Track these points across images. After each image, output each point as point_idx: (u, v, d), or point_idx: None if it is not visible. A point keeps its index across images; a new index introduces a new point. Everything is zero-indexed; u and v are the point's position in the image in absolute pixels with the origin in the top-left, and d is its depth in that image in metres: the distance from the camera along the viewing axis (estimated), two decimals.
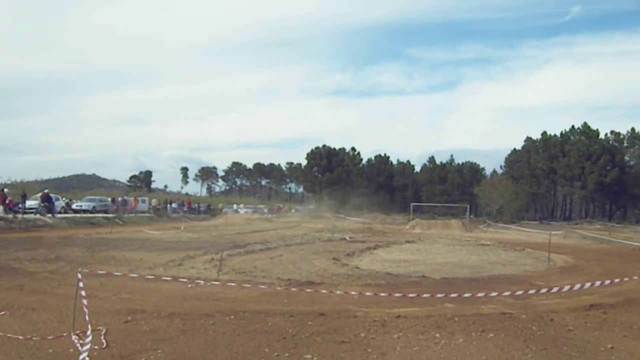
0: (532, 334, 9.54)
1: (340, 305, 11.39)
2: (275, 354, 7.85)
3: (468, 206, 78.67)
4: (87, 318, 7.66)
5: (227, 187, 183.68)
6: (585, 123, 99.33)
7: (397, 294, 11.53)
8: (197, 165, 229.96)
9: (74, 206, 55.18)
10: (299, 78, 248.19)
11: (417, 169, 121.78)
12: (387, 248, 28.92)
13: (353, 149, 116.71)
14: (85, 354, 6.74)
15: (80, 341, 7.78)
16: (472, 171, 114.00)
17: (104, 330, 8.72)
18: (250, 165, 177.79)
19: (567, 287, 11.29)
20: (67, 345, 7.89)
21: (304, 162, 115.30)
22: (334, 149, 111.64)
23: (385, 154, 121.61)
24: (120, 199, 59.71)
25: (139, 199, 67.31)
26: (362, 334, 9.14)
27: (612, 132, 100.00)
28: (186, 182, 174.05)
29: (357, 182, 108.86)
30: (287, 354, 7.87)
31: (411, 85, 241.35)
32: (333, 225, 55.61)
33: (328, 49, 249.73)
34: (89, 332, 7.32)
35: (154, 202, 69.66)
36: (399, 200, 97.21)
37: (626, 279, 13.84)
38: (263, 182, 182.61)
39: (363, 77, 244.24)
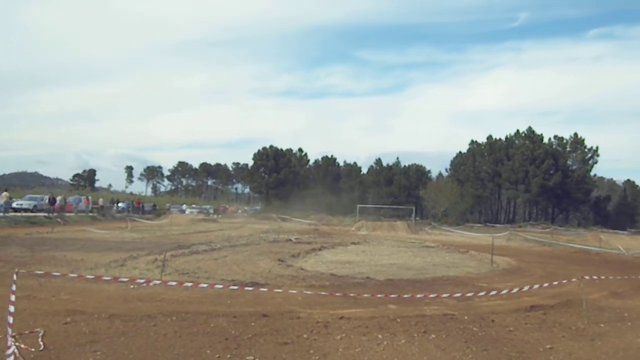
0: (474, 335, 9.66)
1: (284, 307, 11.38)
2: (217, 356, 7.79)
3: (414, 208, 79.22)
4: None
5: (173, 187, 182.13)
6: (530, 127, 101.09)
7: (337, 294, 11.56)
8: (142, 164, 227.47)
9: (14, 205, 53.89)
10: (247, 78, 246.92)
11: (364, 170, 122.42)
12: (332, 249, 28.97)
13: (300, 150, 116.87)
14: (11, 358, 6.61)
15: (17, 343, 7.62)
16: (418, 173, 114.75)
17: (42, 332, 8.52)
18: (196, 165, 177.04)
19: (505, 291, 11.44)
20: (1, 347, 7.70)
21: (251, 163, 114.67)
22: (281, 149, 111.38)
23: (332, 156, 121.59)
24: (58, 197, 58.20)
25: (75, 197, 65.72)
26: (305, 335, 9.14)
27: (555, 136, 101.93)
28: (131, 182, 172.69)
29: (303, 183, 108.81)
30: (228, 356, 7.83)
31: (360, 88, 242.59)
32: (279, 226, 55.59)
33: (277, 49, 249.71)
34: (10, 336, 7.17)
35: (100, 201, 68.41)
36: (346, 202, 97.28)
37: (564, 281, 14.09)
38: (209, 183, 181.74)
39: (312, 79, 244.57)
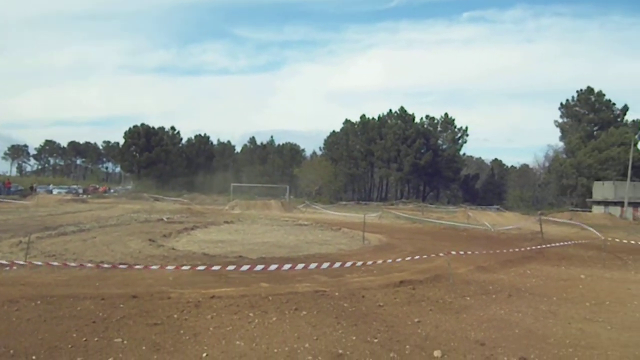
0: (344, 311, 9.80)
1: (154, 287, 11.21)
2: (84, 339, 7.58)
3: (288, 187, 79.53)
4: None
5: (40, 167, 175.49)
6: (402, 107, 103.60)
7: (199, 267, 11.49)
8: (6, 142, 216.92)
9: None
10: (119, 54, 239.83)
11: (238, 149, 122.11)
12: (205, 229, 28.73)
13: (172, 128, 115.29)
14: None
15: None
16: (292, 152, 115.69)
17: None
18: (64, 143, 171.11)
19: (370, 262, 11.64)
20: None
21: (122, 141, 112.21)
22: (153, 128, 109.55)
23: (205, 134, 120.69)
24: None
25: None
26: (175, 316, 9.03)
27: (427, 116, 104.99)
28: None
29: (176, 162, 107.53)
30: (96, 339, 7.64)
31: (235, 65, 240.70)
32: (151, 206, 54.58)
33: (151, 24, 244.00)
34: None
35: None
36: (219, 181, 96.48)
37: (433, 255, 14.49)
38: (78, 162, 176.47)
39: (186, 55, 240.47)
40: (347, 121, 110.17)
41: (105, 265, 12.56)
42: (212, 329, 8.29)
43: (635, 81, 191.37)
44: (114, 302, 9.80)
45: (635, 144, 74.45)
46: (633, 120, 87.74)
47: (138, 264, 13.52)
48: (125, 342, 7.56)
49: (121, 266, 12.82)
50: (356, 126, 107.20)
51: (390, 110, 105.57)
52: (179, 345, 7.52)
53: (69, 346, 7.31)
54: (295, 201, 70.33)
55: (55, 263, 11.92)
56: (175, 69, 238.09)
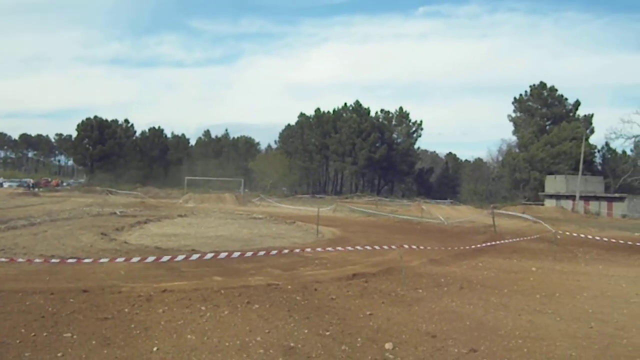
0: (297, 304, 9.83)
1: (105, 282, 11.10)
2: (33, 334, 7.48)
3: (242, 180, 79.44)
4: None
5: None
6: (357, 101, 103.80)
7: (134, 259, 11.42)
8: None
9: None
10: (73, 45, 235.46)
11: (193, 142, 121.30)
12: (158, 222, 28.62)
13: (126, 121, 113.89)
14: None
15: None
16: (247, 145, 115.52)
17: None
18: (15, 136, 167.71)
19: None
20: None
21: (75, 134, 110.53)
22: (107, 120, 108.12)
23: (159, 127, 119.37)
24: None
25: None
26: (126, 310, 8.96)
27: (382, 110, 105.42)
28: None
29: (130, 155, 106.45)
30: (45, 334, 7.54)
31: (191, 58, 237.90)
32: (104, 199, 53.90)
33: (105, 15, 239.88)
34: None
35: None
36: (174, 174, 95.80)
37: (386, 247, 14.58)
38: (30, 155, 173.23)
39: (141, 47, 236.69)
40: (302, 115, 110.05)
41: (54, 260, 12.39)
42: (163, 323, 8.24)
43: (587, 77, 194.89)
44: (63, 296, 9.67)
45: (587, 139, 75.85)
46: (585, 115, 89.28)
47: (89, 258, 13.37)
48: (74, 336, 7.47)
49: (70, 260, 12.63)
50: (311, 120, 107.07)
51: (346, 104, 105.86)
52: (130, 340, 7.45)
53: (17, 341, 7.19)
54: (250, 195, 70.27)
55: (3, 259, 11.69)
56: (129, 61, 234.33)
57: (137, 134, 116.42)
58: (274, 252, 12.27)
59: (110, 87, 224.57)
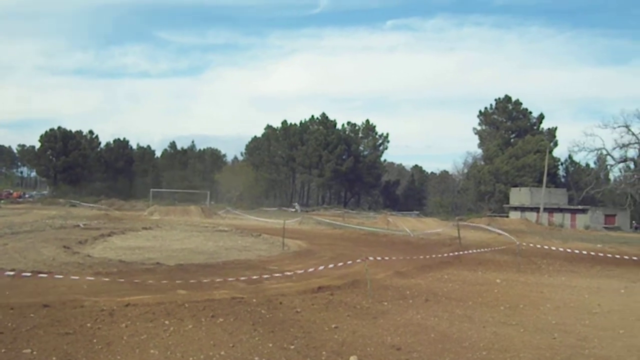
0: (261, 317, 9.79)
1: (67, 296, 10.93)
2: None
3: (208, 192, 79.07)
4: None
5: None
6: (323, 113, 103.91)
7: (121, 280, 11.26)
8: None
9: None
10: (35, 54, 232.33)
11: (158, 154, 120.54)
12: (122, 235, 28.30)
13: (91, 132, 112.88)
14: None
15: None
16: (213, 157, 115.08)
17: None
18: None
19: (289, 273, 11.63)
20: None
21: (38, 145, 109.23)
22: (71, 131, 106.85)
23: (124, 138, 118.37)
24: None
25: None
26: (89, 324, 8.84)
27: (348, 123, 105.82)
28: None
29: (94, 166, 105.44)
30: (3, 350, 7.41)
31: (156, 69, 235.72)
32: (67, 211, 53.42)
33: (68, 24, 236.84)
34: None
35: None
36: (139, 186, 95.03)
37: (350, 262, 14.59)
38: None
39: (106, 58, 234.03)
40: (268, 126, 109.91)
41: (9, 273, 12.19)
42: (126, 338, 8.14)
43: (551, 90, 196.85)
44: (23, 311, 9.51)
45: (550, 152, 76.97)
46: (548, 129, 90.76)
47: (51, 272, 13.18)
48: (34, 352, 7.35)
49: (25, 274, 12.43)
50: (278, 132, 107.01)
51: (313, 116, 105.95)
52: (91, 355, 7.35)
53: None
54: (216, 207, 69.87)
55: None
56: (94, 71, 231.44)
57: (102, 145, 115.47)
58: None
59: (74, 97, 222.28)
